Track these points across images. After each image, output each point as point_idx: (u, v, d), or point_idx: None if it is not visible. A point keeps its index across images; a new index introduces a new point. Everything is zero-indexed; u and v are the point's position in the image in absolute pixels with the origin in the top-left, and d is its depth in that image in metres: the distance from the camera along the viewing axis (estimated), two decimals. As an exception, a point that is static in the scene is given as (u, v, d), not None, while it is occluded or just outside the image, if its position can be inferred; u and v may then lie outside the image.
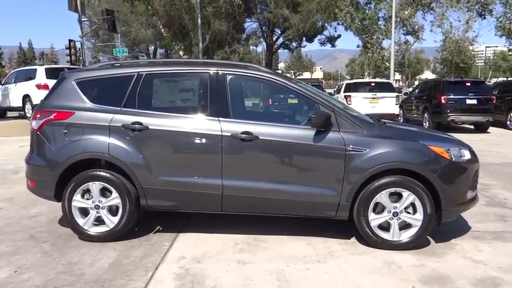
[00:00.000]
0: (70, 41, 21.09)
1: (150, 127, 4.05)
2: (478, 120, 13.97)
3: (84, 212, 4.20)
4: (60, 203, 4.20)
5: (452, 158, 3.99)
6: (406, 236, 4.02)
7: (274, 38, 39.18)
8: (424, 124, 14.48)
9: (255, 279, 3.44)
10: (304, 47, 40.59)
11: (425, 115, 14.72)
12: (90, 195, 4.17)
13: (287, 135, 4.00)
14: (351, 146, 3.93)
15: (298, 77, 75.55)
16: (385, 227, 4.04)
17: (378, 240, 4.01)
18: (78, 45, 21.84)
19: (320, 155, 3.98)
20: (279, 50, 43.84)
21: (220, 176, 4.03)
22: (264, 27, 37.85)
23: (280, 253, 3.95)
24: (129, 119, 4.09)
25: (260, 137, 3.96)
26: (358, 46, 26.87)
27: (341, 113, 4.06)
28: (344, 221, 4.15)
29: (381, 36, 24.36)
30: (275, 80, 4.20)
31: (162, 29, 27.50)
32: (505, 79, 26.86)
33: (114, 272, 3.56)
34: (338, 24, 27.56)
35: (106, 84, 4.29)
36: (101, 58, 49.33)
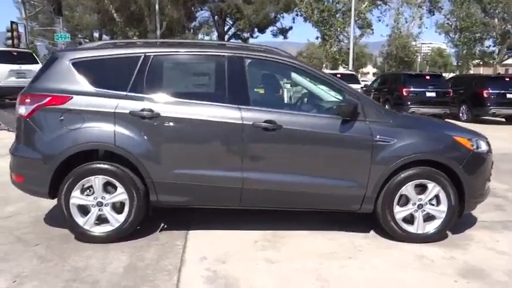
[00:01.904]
0: (12, 23, 19.37)
1: (161, 114, 3.63)
2: (436, 112, 14.48)
3: (84, 210, 3.72)
4: (50, 200, 3.69)
5: (475, 148, 3.94)
6: (430, 228, 3.92)
7: (226, 28, 38.66)
8: None
9: (292, 280, 3.18)
10: (256, 37, 40.33)
11: (387, 107, 15.02)
12: (91, 191, 3.69)
13: (312, 125, 3.76)
14: (378, 136, 3.76)
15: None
16: (409, 219, 3.93)
17: (403, 233, 3.89)
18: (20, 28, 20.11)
19: (346, 146, 3.78)
20: (230, 40, 43.35)
21: (240, 168, 3.71)
22: (216, 17, 37.19)
23: (305, 250, 3.71)
24: (137, 105, 3.64)
25: (284, 126, 3.68)
26: (317, 38, 27.15)
27: (366, 101, 3.88)
28: (354, 214, 4.01)
29: (338, 28, 24.69)
30: (298, 65, 3.92)
31: (115, 14, 26.04)
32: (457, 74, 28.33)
33: (132, 277, 3.15)
34: (297, 15, 27.66)
35: (108, 65, 3.80)
36: (39, 44, 46.17)
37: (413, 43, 42.13)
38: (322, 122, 3.78)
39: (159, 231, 4.01)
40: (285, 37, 38.47)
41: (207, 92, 3.93)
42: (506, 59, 31.13)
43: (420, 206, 3.89)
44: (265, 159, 3.76)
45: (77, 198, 3.66)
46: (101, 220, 3.74)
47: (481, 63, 29.67)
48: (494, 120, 15.35)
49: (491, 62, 29.33)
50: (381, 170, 3.76)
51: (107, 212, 3.70)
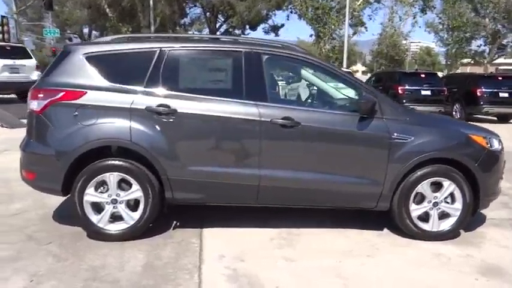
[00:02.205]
0: (3, 17, 19.00)
1: (178, 110, 3.57)
2: (431, 111, 14.57)
3: (98, 207, 3.65)
4: (56, 197, 3.61)
5: (489, 146, 3.96)
6: (444, 226, 3.93)
7: (218, 25, 38.47)
8: None
9: (313, 278, 3.16)
10: (247, 35, 40.16)
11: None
12: (104, 188, 3.62)
13: (330, 122, 3.73)
14: (395, 134, 3.74)
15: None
16: (423, 217, 3.93)
17: (418, 231, 3.89)
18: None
19: (363, 143, 3.76)
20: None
21: (257, 165, 3.67)
22: (207, 13, 36.97)
23: (321, 248, 3.69)
24: (153, 101, 3.58)
25: (302, 123, 3.65)
26: (311, 35, 27.17)
27: (384, 99, 3.86)
28: (366, 212, 4.01)
29: (333, 26, 24.70)
30: (315, 61, 3.89)
31: (107, 9, 25.69)
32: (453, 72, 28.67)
33: (152, 276, 3.09)
34: (291, 12, 27.61)
35: (123, 60, 3.72)
36: (26, 39, 45.45)
37: (404, 42, 42.43)
38: (340, 119, 3.76)
39: (173, 229, 3.96)
40: (276, 34, 38.42)
41: (224, 88, 3.87)
42: (496, 58, 31.56)
43: (435, 204, 3.89)
44: (283, 157, 3.72)
45: (91, 195, 3.59)
46: (115, 218, 3.67)
47: (472, 62, 29.97)
48: (486, 119, 15.51)
49: (483, 61, 29.72)
50: (398, 168, 3.75)
51: (122, 209, 3.63)
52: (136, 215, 3.64)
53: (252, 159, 3.66)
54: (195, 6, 35.78)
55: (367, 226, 4.17)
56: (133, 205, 3.67)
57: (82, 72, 3.63)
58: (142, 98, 3.58)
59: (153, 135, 3.57)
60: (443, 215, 3.94)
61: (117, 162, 3.58)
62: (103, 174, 3.57)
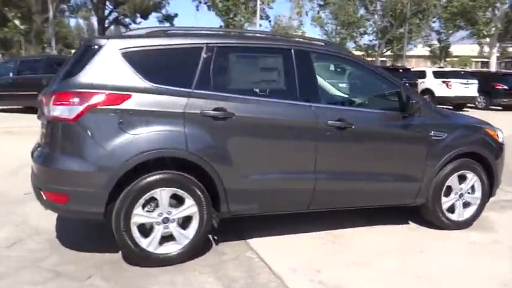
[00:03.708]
0: None
1: (236, 114, 3.23)
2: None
3: (144, 229, 3.15)
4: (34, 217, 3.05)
5: (499, 139, 4.33)
6: (467, 214, 4.21)
7: (107, 13, 35.84)
8: None
9: (401, 282, 3.11)
10: (139, 23, 38.20)
11: None
12: (152, 206, 3.13)
13: (379, 122, 3.75)
14: (432, 132, 3.89)
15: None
16: (451, 208, 4.16)
17: (448, 222, 4.11)
18: None
19: (409, 142, 3.85)
20: (111, 27, 40.36)
21: (313, 169, 3.51)
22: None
23: (375, 248, 3.68)
24: (208, 104, 3.18)
25: (355, 124, 3.58)
26: (220, 27, 26.72)
27: (420, 98, 3.98)
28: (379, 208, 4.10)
29: (242, 18, 24.70)
30: (359, 61, 3.83)
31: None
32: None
33: (245, 301, 2.78)
34: (200, 2, 26.84)
35: (165, 57, 3.23)
36: None
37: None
38: (388, 119, 3.79)
39: (216, 244, 3.60)
40: (171, 24, 37.17)
41: (277, 89, 3.59)
42: (385, 52, 34.92)
43: (461, 195, 4.15)
44: (336, 159, 3.62)
45: (139, 216, 3.08)
46: (163, 239, 3.21)
47: (365, 55, 32.70)
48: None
49: (374, 53, 32.69)
50: (434, 164, 3.91)
51: (174, 228, 3.19)
52: (190, 233, 3.23)
53: (309, 163, 3.49)
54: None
55: (392, 221, 4.27)
56: (182, 222, 3.25)
57: (119, 71, 3.06)
58: (194, 101, 3.15)
59: (210, 143, 3.18)
60: (464, 205, 4.23)
61: (169, 176, 3.12)
62: (153, 191, 3.08)
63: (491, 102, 18.02)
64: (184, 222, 3.25)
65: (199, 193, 3.19)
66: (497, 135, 4.31)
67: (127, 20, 38.28)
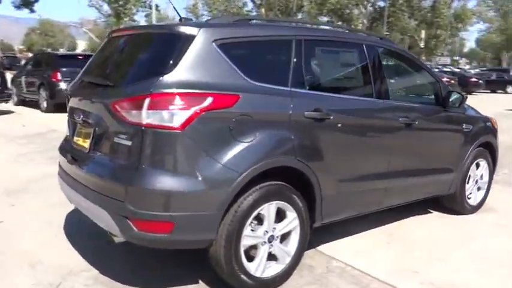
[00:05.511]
0: None
1: (333, 115, 2.94)
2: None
3: (248, 251, 2.69)
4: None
5: (496, 126, 4.77)
6: (479, 198, 4.57)
7: None
8: (43, 104, 12.13)
9: (496, 273, 3.19)
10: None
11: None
12: (254, 224, 2.70)
13: (430, 117, 3.83)
14: (464, 125, 4.11)
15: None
16: (469, 194, 4.46)
17: (468, 207, 4.41)
18: None
19: (450, 135, 4.03)
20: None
21: (387, 167, 3.43)
22: None
23: (435, 239, 3.76)
24: (307, 104, 2.85)
25: (417, 121, 3.59)
26: (109, 15, 24.25)
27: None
28: None
29: (133, 7, 22.83)
30: (411, 56, 3.83)
31: None
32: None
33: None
34: None
35: (260, 50, 2.79)
36: None
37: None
38: (435, 114, 3.88)
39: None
40: (32, 10, 32.78)
41: (358, 86, 3.36)
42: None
43: (476, 181, 4.49)
44: (403, 156, 3.59)
45: (248, 237, 2.63)
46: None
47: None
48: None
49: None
50: (464, 155, 4.16)
51: (278, 246, 2.80)
52: (291, 249, 2.87)
53: (385, 162, 3.41)
54: None
55: (413, 213, 4.40)
56: (283, 239, 2.87)
57: (220, 66, 2.53)
58: (296, 101, 2.78)
59: (312, 148, 2.87)
60: (477, 190, 4.58)
61: (277, 188, 2.70)
62: (262, 206, 2.65)
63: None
64: (283, 238, 2.87)
65: (301, 204, 2.85)
66: (496, 123, 4.75)
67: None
